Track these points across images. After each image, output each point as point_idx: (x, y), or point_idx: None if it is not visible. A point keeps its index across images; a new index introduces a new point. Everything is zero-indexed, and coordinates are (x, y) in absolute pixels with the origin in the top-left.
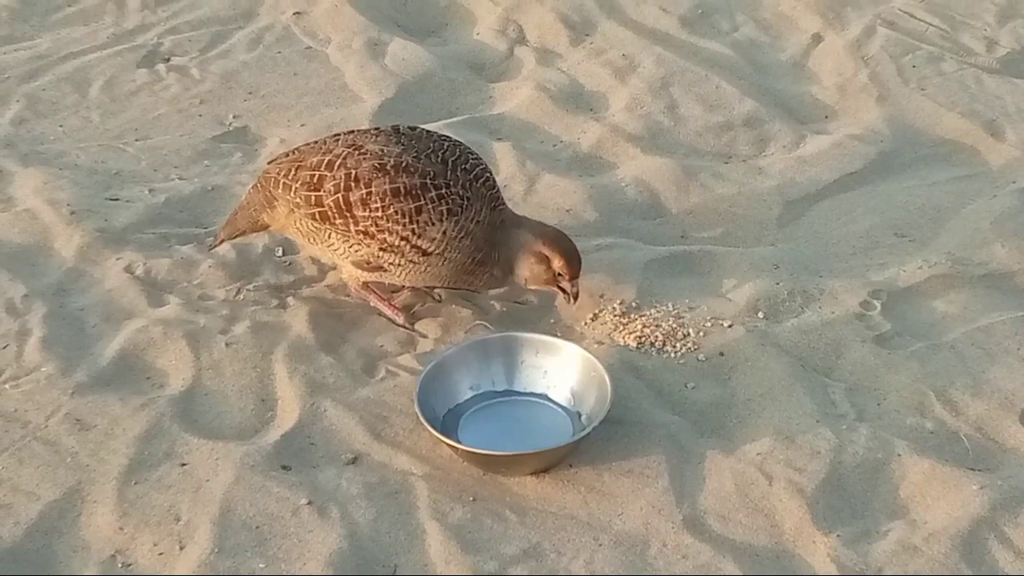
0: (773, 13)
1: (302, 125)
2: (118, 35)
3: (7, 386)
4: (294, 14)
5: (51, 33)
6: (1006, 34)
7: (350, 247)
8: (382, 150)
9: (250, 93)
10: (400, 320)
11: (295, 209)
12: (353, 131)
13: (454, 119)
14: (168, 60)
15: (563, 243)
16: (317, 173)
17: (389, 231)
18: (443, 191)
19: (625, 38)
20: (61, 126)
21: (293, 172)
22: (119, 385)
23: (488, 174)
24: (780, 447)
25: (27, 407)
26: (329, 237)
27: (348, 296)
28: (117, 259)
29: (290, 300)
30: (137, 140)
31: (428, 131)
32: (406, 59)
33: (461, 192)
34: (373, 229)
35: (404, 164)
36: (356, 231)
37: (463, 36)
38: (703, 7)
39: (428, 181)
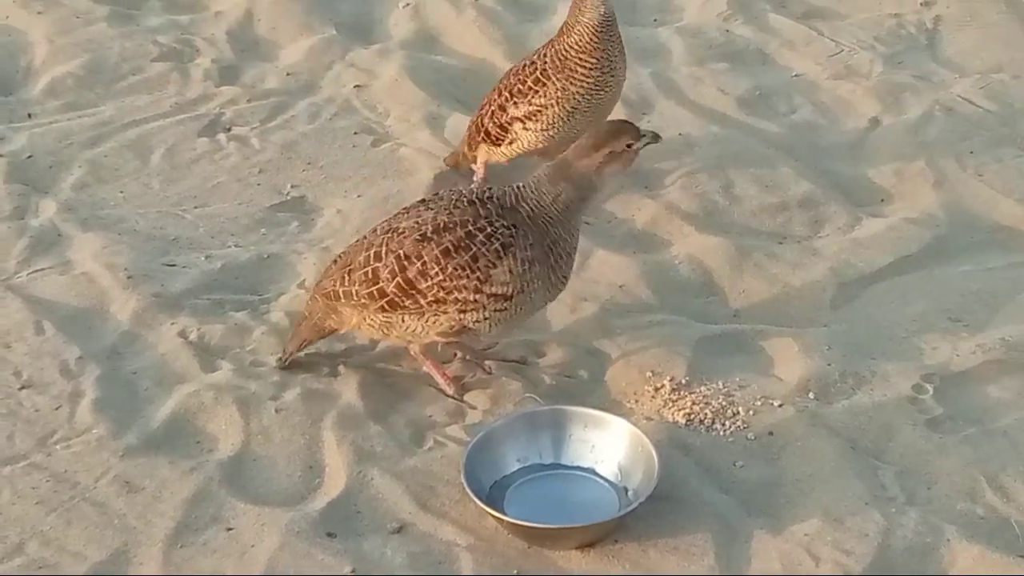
0: (831, 96)
1: (359, 196)
2: (181, 104)
3: (58, 447)
4: (355, 87)
5: (115, 101)
6: None
7: (427, 323)
8: (416, 222)
9: (309, 163)
10: (450, 391)
11: (363, 309)
12: (386, 220)
13: None
14: (229, 130)
15: (609, 128)
16: (369, 268)
17: (458, 288)
18: (488, 231)
19: (682, 117)
20: (122, 192)
21: (347, 277)
22: (169, 448)
23: (508, 189)
24: (828, 528)
25: (77, 468)
26: (404, 322)
27: (399, 366)
28: (172, 324)
29: (341, 368)
30: (196, 207)
31: (451, 189)
32: (464, 133)
33: (504, 222)
34: (442, 295)
35: (441, 224)
36: (427, 303)
37: None
38: (761, 89)
39: (471, 228)
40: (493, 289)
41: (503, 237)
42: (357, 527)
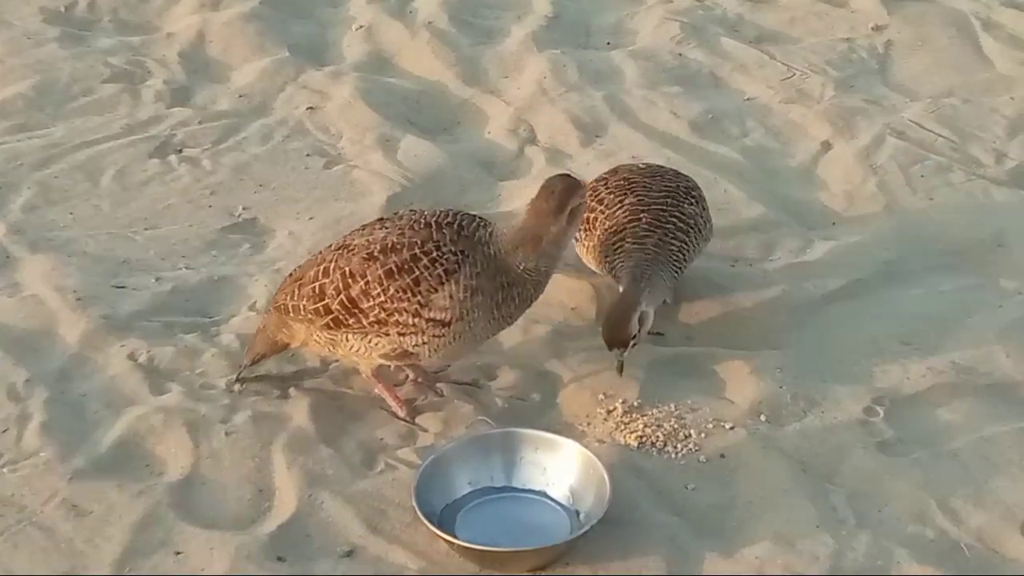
0: (783, 120)
1: (311, 218)
2: (132, 126)
3: (5, 470)
4: (307, 109)
5: (65, 122)
6: (1015, 147)
7: (370, 343)
8: (367, 240)
9: (260, 185)
10: (402, 413)
11: (310, 324)
12: (344, 236)
13: None
14: (180, 151)
15: (561, 189)
16: (317, 283)
17: (398, 311)
18: (434, 255)
19: (635, 140)
20: (71, 214)
21: (297, 291)
22: (117, 472)
23: (469, 217)
24: (779, 551)
25: (24, 491)
26: (348, 340)
27: (350, 388)
28: (121, 346)
29: (291, 391)
30: (146, 229)
31: (412, 209)
32: (418, 155)
33: (453, 248)
34: (383, 315)
35: (390, 245)
36: (369, 323)
37: (474, 135)
38: (713, 112)
39: (417, 251)
40: (432, 314)
41: (448, 263)
42: (307, 551)
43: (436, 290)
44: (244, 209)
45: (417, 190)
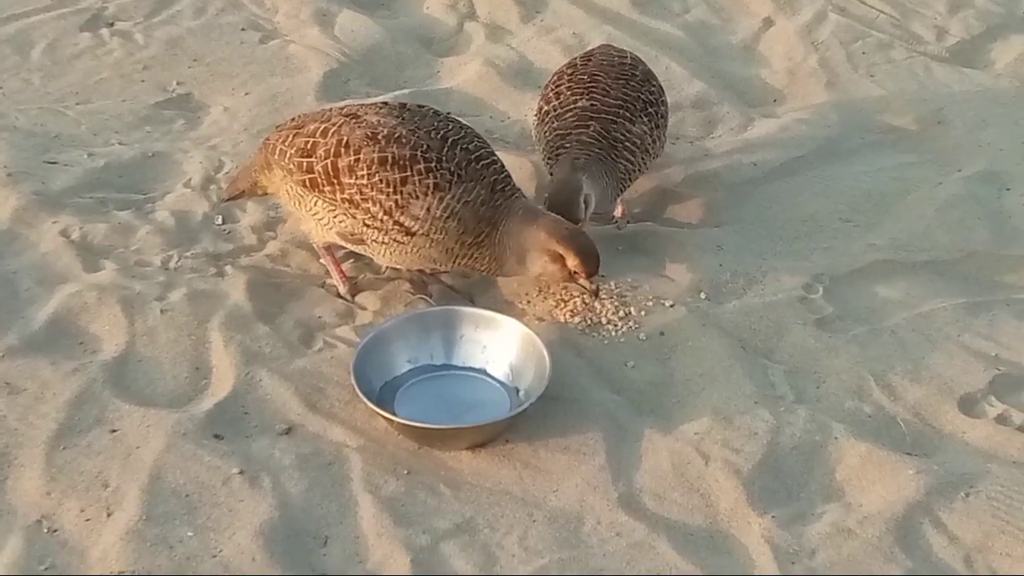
0: None
1: (246, 94)
2: None
3: None
4: None
5: None
6: (956, 23)
7: (335, 217)
8: (378, 121)
9: (195, 60)
10: (343, 290)
11: (288, 175)
12: (362, 104)
13: (401, 91)
14: (112, 24)
15: (578, 240)
16: (311, 140)
17: (373, 200)
18: (432, 165)
19: (576, 16)
20: (1, 88)
21: (291, 138)
22: (51, 349)
23: (494, 158)
24: (718, 427)
25: None
26: (315, 205)
27: (287, 266)
28: (53, 223)
29: (228, 269)
30: (78, 104)
31: (437, 111)
32: (355, 31)
33: (452, 168)
34: (358, 197)
35: (397, 135)
36: (342, 199)
37: (413, 9)
38: None
39: (419, 153)
40: (402, 218)
41: (440, 178)
42: (245, 429)
43: (418, 197)
44: (178, 84)
45: (355, 66)
